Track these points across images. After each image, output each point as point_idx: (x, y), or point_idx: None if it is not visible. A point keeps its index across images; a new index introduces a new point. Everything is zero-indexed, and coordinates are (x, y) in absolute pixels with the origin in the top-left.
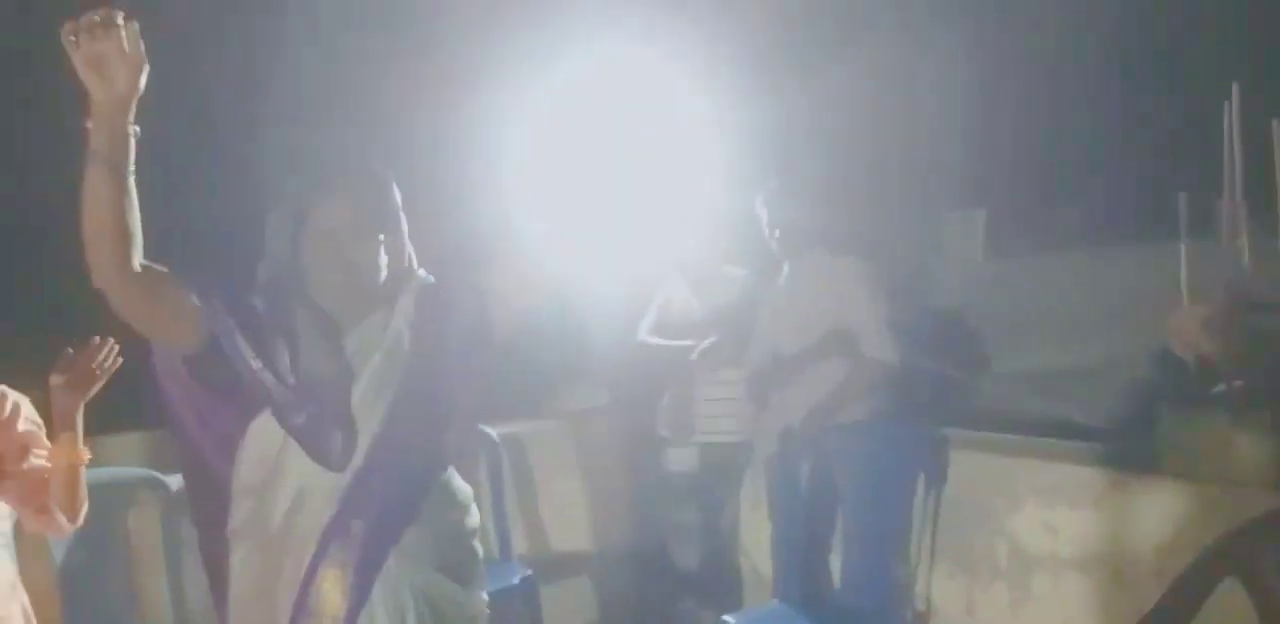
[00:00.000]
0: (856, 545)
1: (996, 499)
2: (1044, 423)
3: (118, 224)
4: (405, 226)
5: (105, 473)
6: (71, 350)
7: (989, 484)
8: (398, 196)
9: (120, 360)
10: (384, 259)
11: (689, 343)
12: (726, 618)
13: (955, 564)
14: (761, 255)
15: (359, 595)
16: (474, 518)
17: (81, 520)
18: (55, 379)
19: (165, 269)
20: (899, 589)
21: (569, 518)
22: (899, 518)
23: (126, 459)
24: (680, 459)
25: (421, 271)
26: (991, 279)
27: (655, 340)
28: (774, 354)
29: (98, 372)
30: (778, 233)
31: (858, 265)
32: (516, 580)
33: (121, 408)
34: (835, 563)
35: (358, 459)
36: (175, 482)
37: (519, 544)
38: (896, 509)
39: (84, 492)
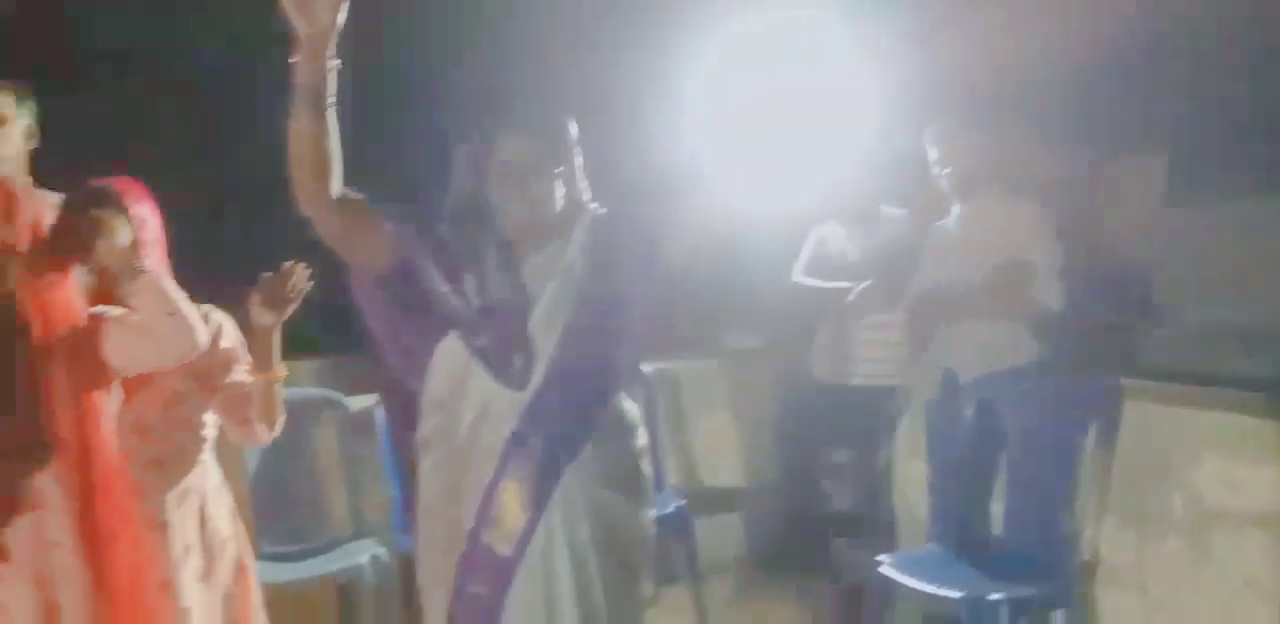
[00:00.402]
0: (1021, 493)
1: (1173, 451)
2: (1223, 375)
3: (319, 154)
4: (580, 162)
5: (291, 393)
6: (269, 274)
7: (1165, 436)
8: (575, 133)
9: (311, 284)
10: (560, 192)
11: (845, 284)
12: (881, 558)
13: (1127, 517)
14: (923, 196)
15: (536, 507)
16: (642, 440)
17: (278, 431)
18: (254, 300)
19: (362, 197)
20: (1064, 539)
21: (721, 454)
22: (1067, 467)
23: (310, 382)
24: (835, 400)
25: (594, 204)
26: (1170, 227)
27: (811, 281)
28: (936, 296)
29: (292, 294)
30: (948, 171)
31: (1033, 208)
32: (671, 509)
33: (306, 336)
34: (995, 510)
35: (536, 380)
36: (353, 403)
37: (671, 477)
38: (1065, 457)
39: (281, 405)
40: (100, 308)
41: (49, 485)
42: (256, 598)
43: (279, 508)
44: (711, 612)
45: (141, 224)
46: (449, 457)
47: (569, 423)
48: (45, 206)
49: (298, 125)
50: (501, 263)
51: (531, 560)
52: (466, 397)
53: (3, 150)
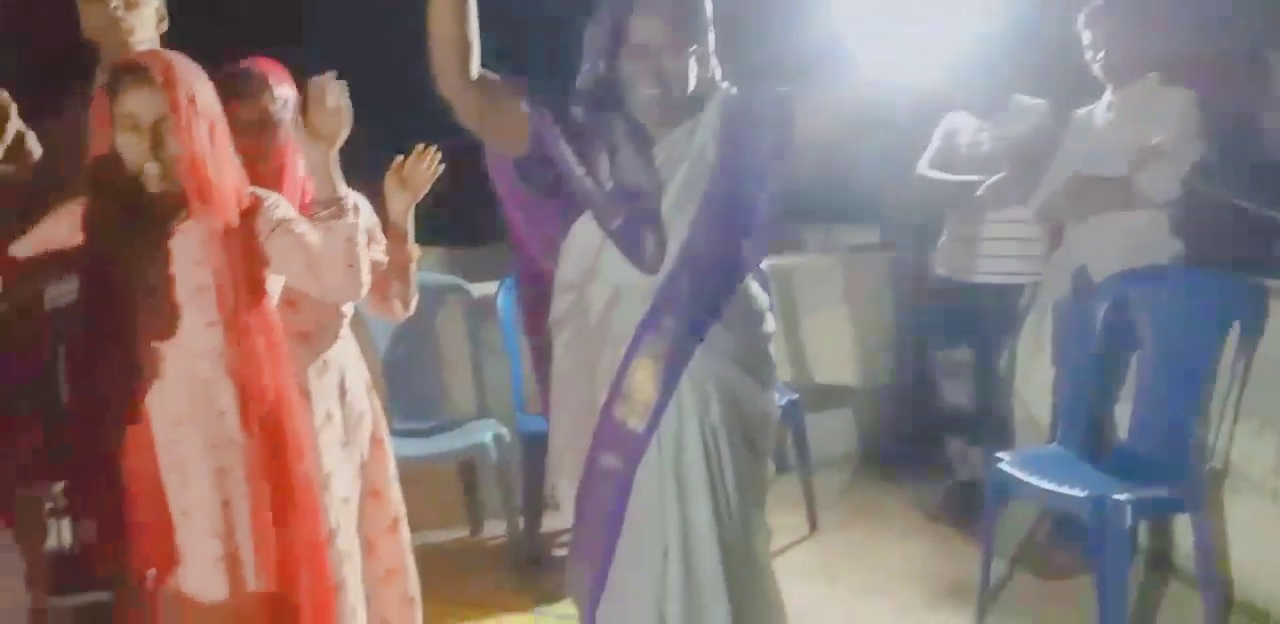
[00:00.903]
0: (1152, 396)
1: None
2: None
3: (459, 34)
4: (713, 40)
5: (419, 278)
6: (404, 157)
7: None
8: (709, 10)
9: (443, 167)
10: (693, 72)
11: (975, 178)
12: (1001, 455)
13: (1265, 423)
14: (1062, 84)
15: (668, 384)
16: (770, 324)
17: (413, 309)
18: (390, 182)
19: (498, 77)
20: (1195, 444)
21: (835, 350)
22: (1203, 370)
23: (437, 269)
24: (957, 298)
25: (725, 84)
26: None
27: (937, 174)
28: (1073, 189)
29: (425, 176)
30: (1102, 56)
31: (1186, 97)
32: (784, 402)
33: (434, 225)
34: (1122, 412)
35: (668, 262)
36: (477, 289)
37: (783, 372)
38: (1201, 360)
39: (415, 283)
40: (272, 198)
41: (214, 359)
42: (391, 469)
43: (406, 387)
44: (821, 502)
45: (285, 104)
46: (581, 336)
47: (700, 305)
48: (201, 81)
49: (441, 5)
50: (634, 144)
51: (662, 435)
52: (599, 278)
53: (139, 33)
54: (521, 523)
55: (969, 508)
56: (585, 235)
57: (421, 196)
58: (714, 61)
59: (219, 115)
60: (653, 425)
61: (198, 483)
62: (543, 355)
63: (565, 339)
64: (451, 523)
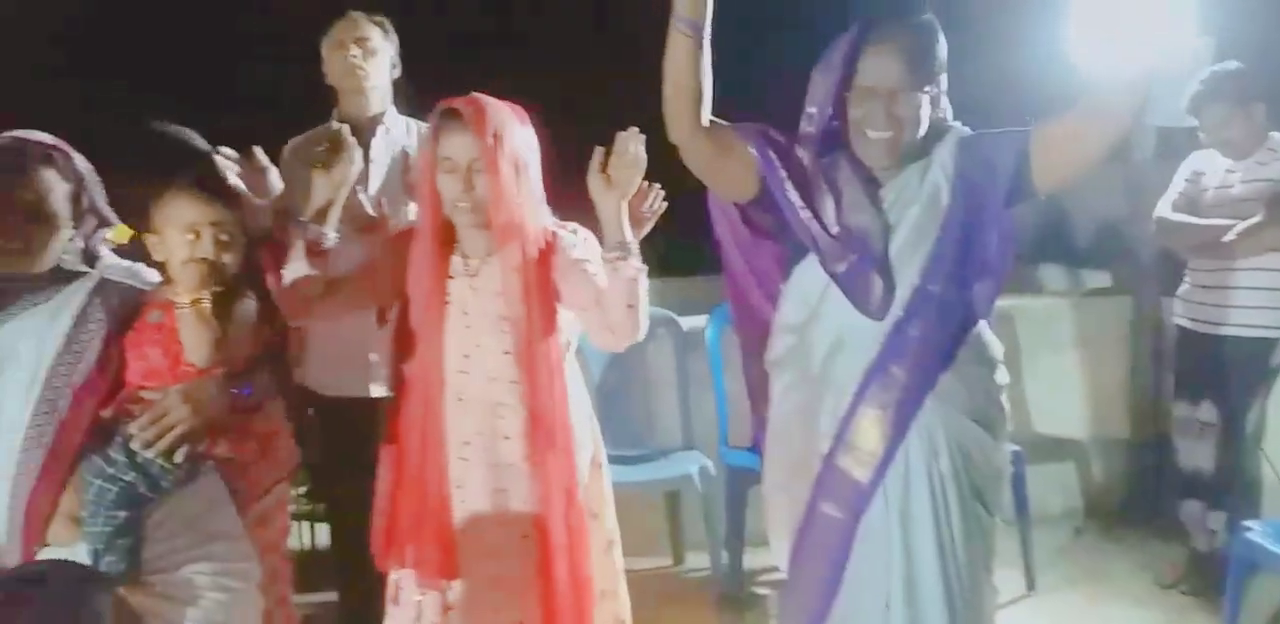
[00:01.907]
0: None
1: None
2: None
3: (693, 83)
4: (945, 80)
5: None
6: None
7: None
8: (944, 50)
9: (665, 205)
10: (926, 112)
11: (1224, 222)
12: (1249, 524)
13: None
14: None
15: (896, 435)
16: (1003, 374)
17: (641, 335)
18: (594, 183)
19: (727, 124)
20: None
21: (1061, 400)
22: None
23: (649, 300)
24: (1201, 350)
25: (957, 123)
26: None
27: (1180, 217)
28: None
29: (648, 213)
30: (1217, 137)
31: None
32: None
33: (647, 258)
34: None
35: (897, 309)
36: (686, 322)
37: None
38: None
39: (644, 308)
40: (570, 237)
41: (506, 386)
42: (608, 493)
43: (615, 415)
44: (1039, 561)
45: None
46: (803, 379)
47: (931, 353)
48: (512, 124)
49: (676, 54)
50: (861, 187)
51: (888, 487)
52: (822, 322)
53: (374, 78)
54: (725, 557)
55: (1209, 577)
56: (809, 278)
57: (644, 234)
58: (945, 101)
59: (528, 158)
60: (878, 477)
61: (478, 501)
62: (757, 393)
63: (785, 382)
64: (653, 552)
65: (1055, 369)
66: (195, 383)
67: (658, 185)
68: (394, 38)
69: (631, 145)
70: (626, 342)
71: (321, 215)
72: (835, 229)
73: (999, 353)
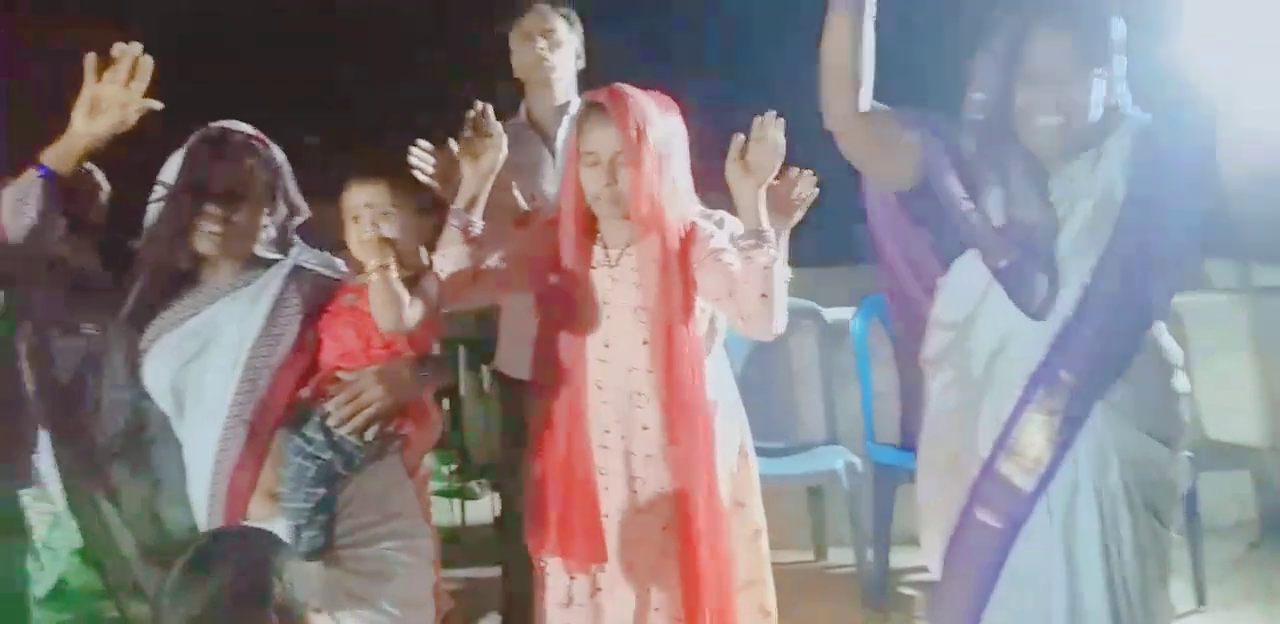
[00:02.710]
0: None
1: None
2: None
3: (854, 68)
4: (1122, 63)
5: None
6: (742, 137)
7: None
8: (1120, 29)
9: (817, 192)
10: (1098, 97)
11: None
12: None
13: None
14: None
15: (1062, 444)
16: (1182, 381)
17: (780, 329)
18: (732, 170)
19: (888, 109)
20: None
21: (1234, 403)
22: None
23: (789, 291)
24: None
25: (1135, 110)
26: None
27: None
28: None
29: (799, 200)
30: None
31: None
32: None
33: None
34: None
35: (1066, 309)
36: (830, 314)
37: None
38: None
39: (782, 301)
40: (709, 228)
41: (644, 375)
42: (755, 482)
43: (758, 407)
44: (1210, 574)
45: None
46: (962, 379)
47: (1102, 357)
48: (655, 116)
49: (835, 34)
50: (1028, 178)
51: (1052, 497)
52: (983, 320)
53: (560, 70)
54: (869, 555)
55: None
56: (969, 273)
57: (797, 220)
58: (1122, 87)
59: (671, 149)
60: (1042, 486)
61: (619, 489)
62: (911, 390)
63: (943, 380)
64: (793, 546)
65: (1227, 371)
66: (388, 364)
67: (808, 172)
68: (579, 29)
69: (770, 131)
70: (764, 332)
71: (472, 203)
72: (999, 222)
73: (1178, 358)
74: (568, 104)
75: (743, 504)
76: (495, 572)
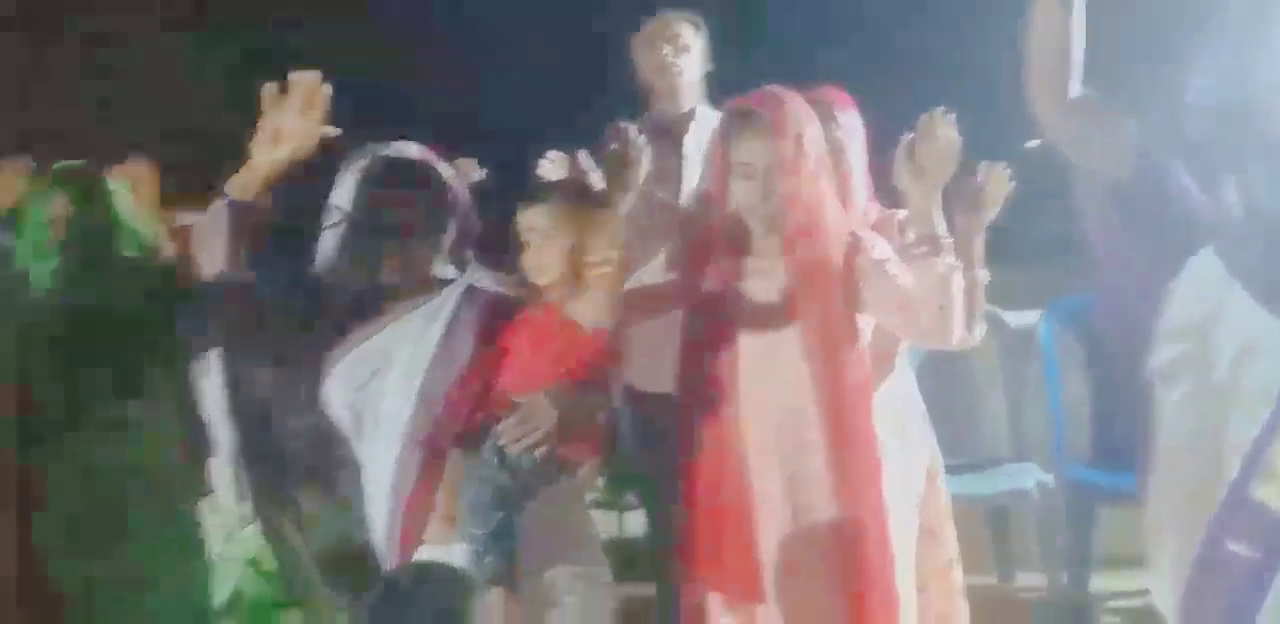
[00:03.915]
0: None
1: None
2: None
3: (1062, 51)
4: None
5: None
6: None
7: None
8: None
9: (1013, 185)
10: None
11: None
12: None
13: None
14: None
15: None
16: None
17: (957, 338)
18: (902, 169)
19: (1098, 95)
20: None
21: None
22: None
23: None
24: None
25: None
26: None
27: None
28: None
29: (988, 200)
30: None
31: None
32: None
33: None
34: None
35: None
36: (1015, 319)
37: None
38: None
39: (977, 310)
40: (871, 238)
41: (805, 392)
42: (946, 507)
43: (933, 420)
44: None
45: (850, 134)
46: (1202, 391)
47: None
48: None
49: (1043, 16)
50: (1269, 165)
51: None
52: (1226, 323)
53: (687, 74)
54: (1064, 578)
55: None
56: (1204, 274)
57: (990, 219)
58: None
59: (834, 150)
60: None
61: (781, 517)
62: (1112, 402)
63: (1179, 394)
64: (976, 567)
65: None
66: (559, 387)
67: (1000, 164)
68: (705, 33)
69: (940, 129)
70: (945, 346)
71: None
72: (1238, 211)
73: None
74: (693, 110)
75: (934, 532)
76: (651, 588)
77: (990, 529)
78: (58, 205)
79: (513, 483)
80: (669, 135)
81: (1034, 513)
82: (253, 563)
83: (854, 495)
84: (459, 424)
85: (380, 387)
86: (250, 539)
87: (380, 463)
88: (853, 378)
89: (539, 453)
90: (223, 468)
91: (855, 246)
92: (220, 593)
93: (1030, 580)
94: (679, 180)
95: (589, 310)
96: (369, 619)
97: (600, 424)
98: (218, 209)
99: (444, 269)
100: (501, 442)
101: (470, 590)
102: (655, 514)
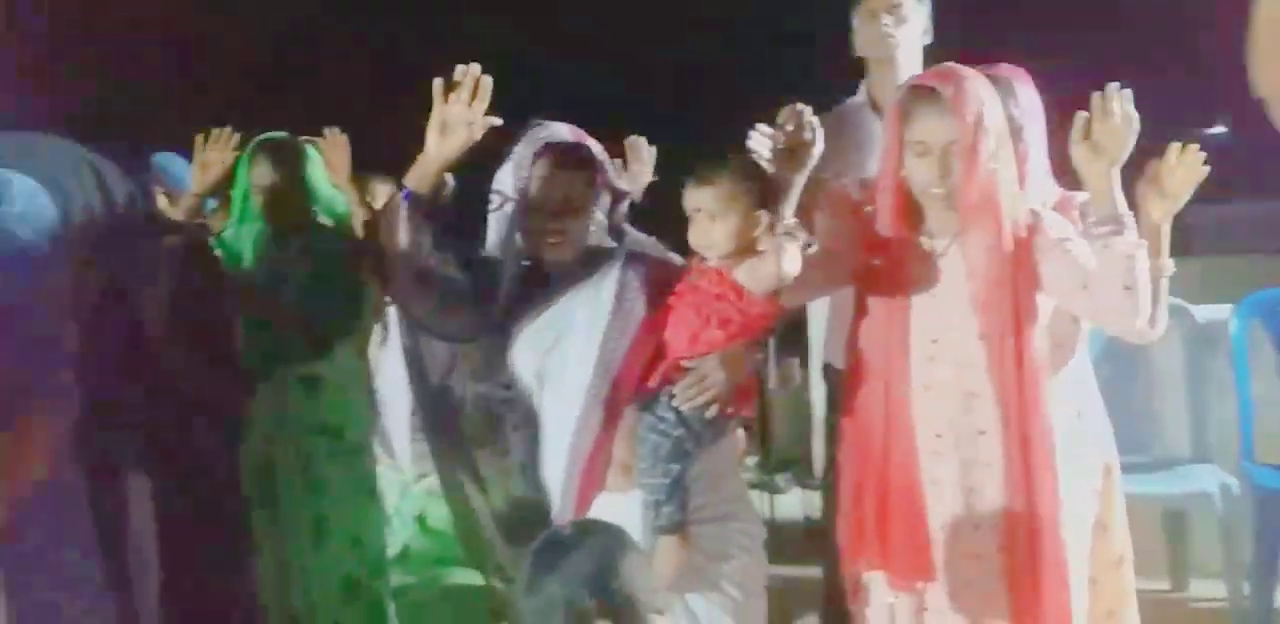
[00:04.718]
0: None
1: None
2: None
3: None
4: None
5: None
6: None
7: None
8: None
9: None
10: None
11: None
12: None
13: None
14: None
15: None
16: None
17: (1143, 321)
18: (1148, 188)
19: None
20: None
21: None
22: None
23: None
24: None
25: None
26: None
27: None
28: None
29: (1178, 184)
30: None
31: None
32: None
33: None
34: None
35: None
36: (1203, 313)
37: None
38: None
39: (1162, 301)
40: (1051, 217)
41: (979, 373)
42: (1120, 502)
43: (1111, 415)
44: None
45: (1029, 113)
46: None
47: None
48: (991, 97)
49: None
50: None
51: None
52: None
53: (907, 50)
54: (1246, 590)
55: None
56: None
57: (1122, 160)
58: None
59: (1008, 132)
60: None
61: (951, 500)
62: None
63: None
64: (1147, 571)
65: None
66: (727, 350)
67: (1193, 146)
68: (927, 3)
69: (1115, 105)
70: (1131, 331)
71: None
72: None
73: None
74: None
75: (1106, 527)
76: (804, 571)
77: (1166, 532)
78: (261, 174)
79: (688, 437)
80: (884, 110)
81: (1215, 518)
82: (420, 520)
83: (1028, 483)
84: (635, 381)
85: (563, 352)
86: (420, 497)
87: (561, 420)
88: (1030, 362)
89: (710, 411)
90: (398, 429)
91: (1034, 226)
92: (393, 545)
93: (1206, 589)
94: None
95: (761, 278)
96: (529, 570)
97: (756, 380)
98: (396, 200)
99: (603, 238)
100: (675, 403)
101: (629, 547)
102: (830, 496)
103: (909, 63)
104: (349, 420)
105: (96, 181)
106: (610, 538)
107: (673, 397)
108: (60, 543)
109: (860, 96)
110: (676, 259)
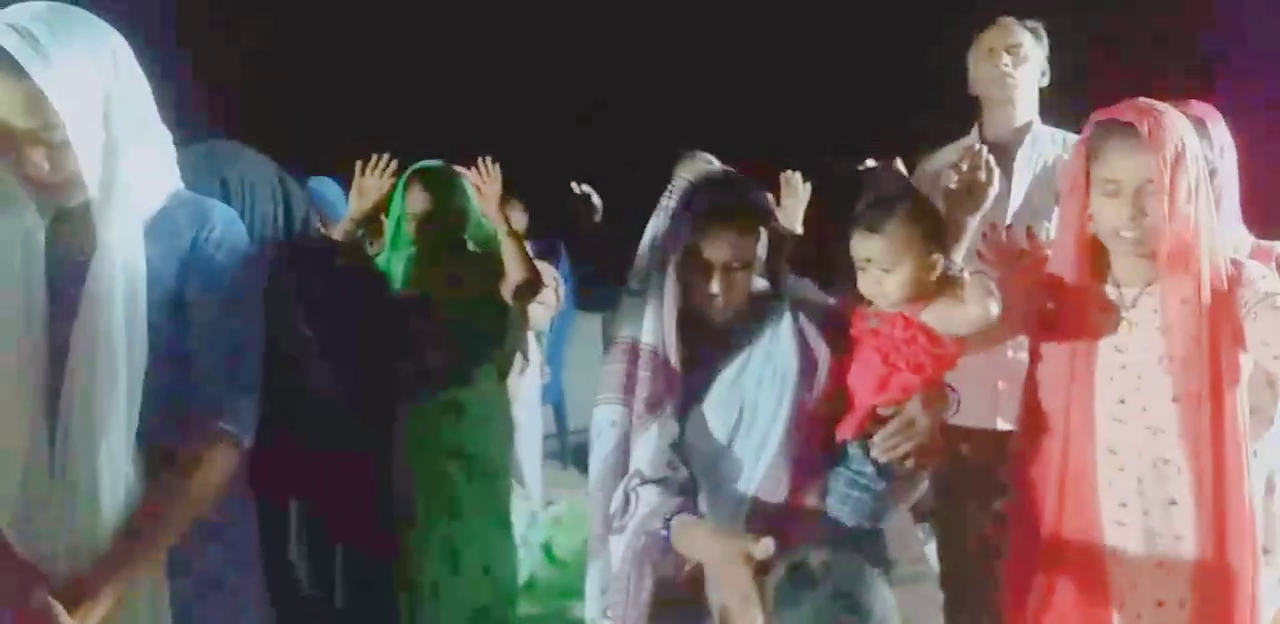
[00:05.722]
0: None
1: None
2: None
3: None
4: None
5: None
6: None
7: None
8: None
9: None
10: None
11: None
12: None
13: None
14: None
15: None
16: None
17: None
18: None
19: None
20: None
21: None
22: None
23: None
24: None
25: None
26: None
27: None
28: None
29: None
30: None
31: None
32: None
33: None
34: None
35: None
36: None
37: None
38: None
39: None
40: (1260, 269)
41: (1174, 439)
42: None
43: None
44: None
45: (1223, 153)
46: None
47: None
48: (1189, 133)
49: None
50: None
51: None
52: None
53: (1025, 90)
54: None
55: None
56: None
57: None
58: None
59: (1206, 171)
60: None
61: (1137, 576)
62: None
63: None
64: None
65: None
66: (927, 393)
67: None
68: (1045, 43)
69: None
70: None
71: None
72: None
73: None
74: (1029, 124)
75: (1269, 551)
76: None
77: None
78: (415, 200)
79: (888, 490)
80: (1001, 151)
81: None
82: (547, 549)
83: (1225, 558)
84: (821, 432)
85: (753, 409)
86: (547, 526)
87: (748, 472)
88: (1230, 427)
89: (910, 462)
90: (530, 457)
91: (1236, 277)
92: (522, 573)
93: None
94: (1007, 198)
95: (960, 322)
96: (774, 605)
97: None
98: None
99: (760, 283)
100: (874, 452)
101: (872, 587)
102: (949, 548)
103: (1026, 104)
104: (488, 446)
105: (284, 198)
106: (856, 567)
107: (867, 448)
108: (228, 564)
109: (972, 138)
110: (833, 301)
